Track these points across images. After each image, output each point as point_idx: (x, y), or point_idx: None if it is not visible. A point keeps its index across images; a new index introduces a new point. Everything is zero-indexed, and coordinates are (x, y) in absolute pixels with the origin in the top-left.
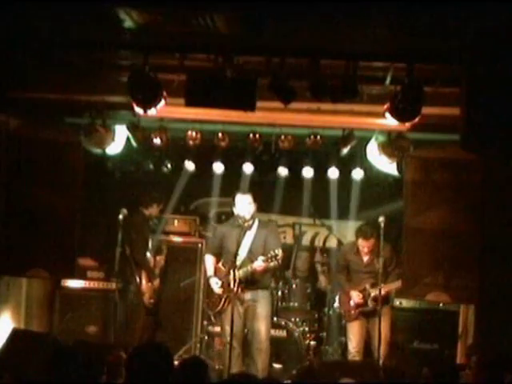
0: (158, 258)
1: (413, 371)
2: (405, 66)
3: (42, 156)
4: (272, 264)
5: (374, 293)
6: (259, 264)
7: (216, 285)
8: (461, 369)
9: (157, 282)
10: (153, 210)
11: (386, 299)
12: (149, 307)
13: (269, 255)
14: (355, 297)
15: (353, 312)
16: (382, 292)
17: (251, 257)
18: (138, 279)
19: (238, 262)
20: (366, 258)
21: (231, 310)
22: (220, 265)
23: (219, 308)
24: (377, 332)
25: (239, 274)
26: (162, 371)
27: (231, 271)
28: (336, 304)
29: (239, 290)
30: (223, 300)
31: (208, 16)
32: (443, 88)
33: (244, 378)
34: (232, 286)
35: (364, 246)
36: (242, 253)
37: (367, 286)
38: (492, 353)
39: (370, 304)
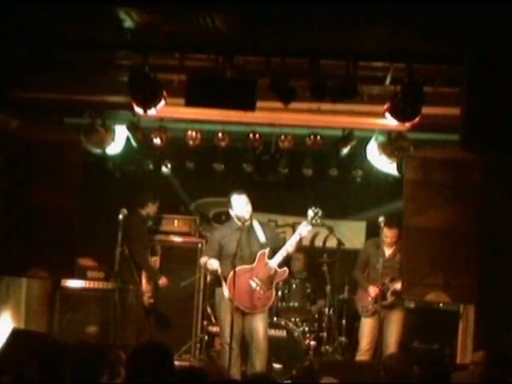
0: (153, 258)
1: (413, 371)
2: (405, 66)
3: (42, 156)
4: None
5: (393, 287)
6: (306, 229)
7: (215, 264)
8: (462, 368)
9: (163, 281)
10: (149, 210)
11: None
12: (148, 307)
13: (309, 217)
14: (372, 291)
15: (370, 307)
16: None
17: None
18: (137, 279)
19: (266, 260)
20: (388, 252)
21: (231, 311)
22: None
23: (267, 307)
24: (390, 329)
25: (278, 258)
26: (163, 371)
27: (266, 261)
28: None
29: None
30: (273, 298)
31: (208, 16)
32: (443, 88)
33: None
34: (277, 269)
35: (387, 235)
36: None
37: (386, 281)
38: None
39: (389, 298)
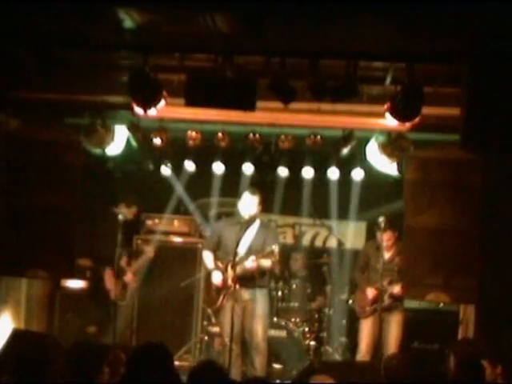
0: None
1: (413, 372)
2: (405, 65)
3: (41, 156)
4: (266, 263)
5: (390, 290)
6: (250, 264)
7: (217, 277)
8: None
9: (128, 278)
10: (125, 211)
11: (401, 297)
12: (120, 305)
13: (264, 253)
14: (370, 293)
15: (368, 308)
16: (398, 289)
17: (249, 254)
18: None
19: (237, 259)
20: (387, 255)
21: (231, 310)
22: (218, 262)
23: (218, 305)
24: (389, 331)
25: (236, 270)
26: (162, 371)
27: (228, 268)
28: (350, 301)
29: (236, 286)
30: (222, 297)
31: (208, 16)
32: (443, 88)
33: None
34: (230, 282)
35: (381, 239)
36: (242, 250)
37: (385, 283)
38: (493, 352)
39: (387, 300)
